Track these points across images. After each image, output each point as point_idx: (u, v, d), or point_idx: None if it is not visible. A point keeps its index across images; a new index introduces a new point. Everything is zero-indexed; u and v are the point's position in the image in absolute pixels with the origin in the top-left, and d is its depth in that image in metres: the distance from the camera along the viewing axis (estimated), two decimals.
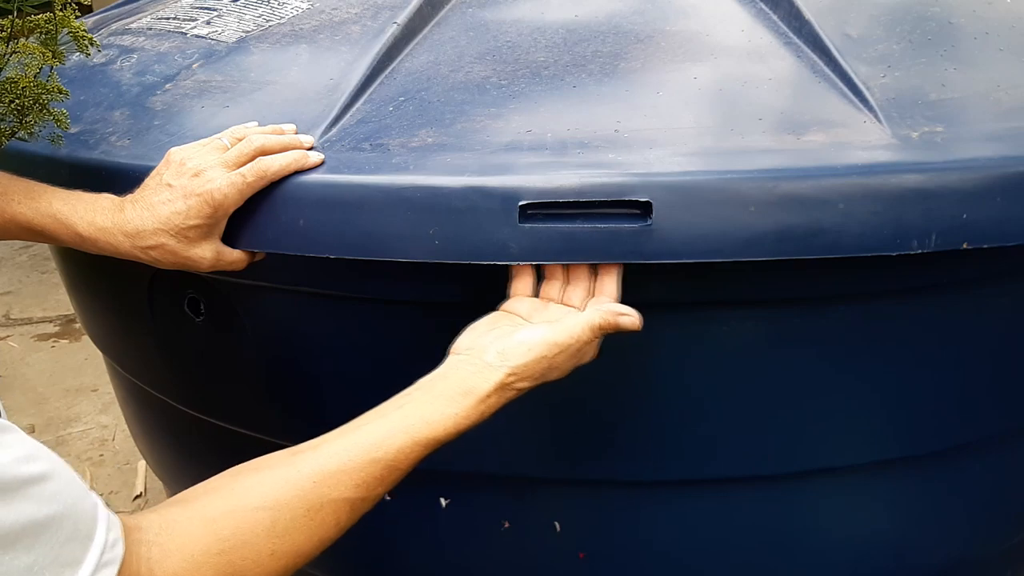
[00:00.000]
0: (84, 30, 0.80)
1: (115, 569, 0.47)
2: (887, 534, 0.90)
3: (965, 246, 0.67)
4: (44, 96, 0.77)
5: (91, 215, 0.73)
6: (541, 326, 0.67)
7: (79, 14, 0.82)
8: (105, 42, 1.02)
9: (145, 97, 0.87)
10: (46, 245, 1.01)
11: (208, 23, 0.97)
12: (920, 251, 0.67)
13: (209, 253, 0.72)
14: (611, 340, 0.76)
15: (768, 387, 0.80)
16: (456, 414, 0.63)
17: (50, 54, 0.78)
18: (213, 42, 0.93)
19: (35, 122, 0.78)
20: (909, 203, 0.66)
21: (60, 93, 0.79)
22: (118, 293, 1.03)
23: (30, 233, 0.75)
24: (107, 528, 0.48)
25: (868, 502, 0.89)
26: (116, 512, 0.52)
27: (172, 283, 0.90)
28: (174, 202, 0.70)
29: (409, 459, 0.61)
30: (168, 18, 1.02)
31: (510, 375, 0.65)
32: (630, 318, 0.68)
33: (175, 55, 0.93)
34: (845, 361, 0.80)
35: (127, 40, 1.01)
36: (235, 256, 0.73)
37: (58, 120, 0.80)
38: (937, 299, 0.78)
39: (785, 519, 0.88)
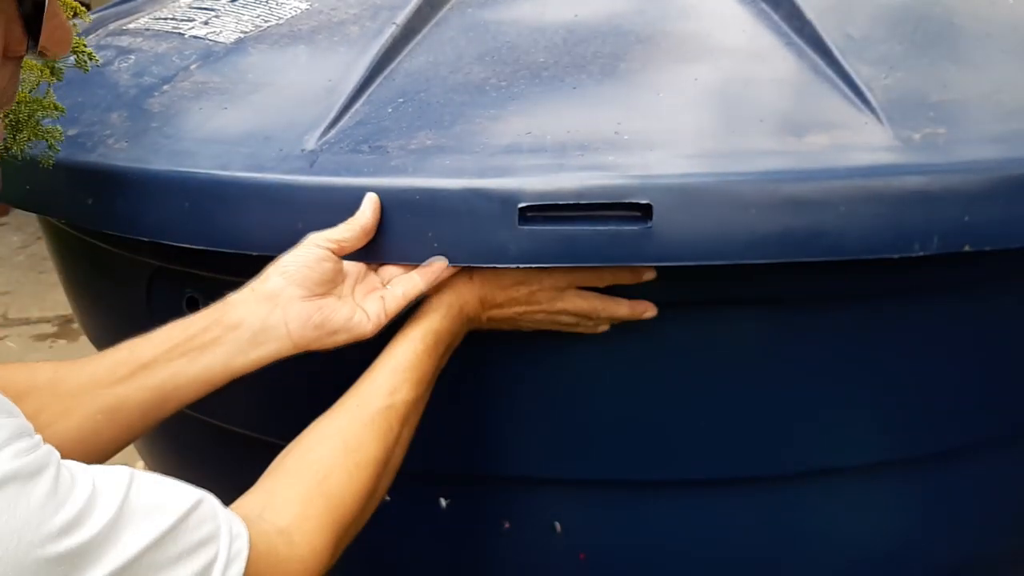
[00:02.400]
0: (84, 45, 0.80)
1: (245, 540, 0.53)
2: (888, 536, 0.90)
3: (967, 248, 0.67)
4: (39, 112, 0.77)
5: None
6: None
7: (79, 30, 0.81)
8: (102, 43, 1.02)
9: (143, 99, 0.87)
10: (43, 244, 0.99)
11: (206, 23, 0.96)
12: (922, 253, 0.66)
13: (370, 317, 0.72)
14: (612, 339, 0.76)
15: (769, 388, 0.80)
16: (442, 314, 0.72)
17: (48, 71, 0.77)
18: (211, 43, 0.93)
19: (28, 138, 0.78)
20: (911, 205, 0.66)
21: (56, 110, 0.78)
22: (116, 293, 1.02)
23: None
24: (223, 512, 0.54)
25: (869, 503, 0.89)
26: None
27: (171, 282, 0.90)
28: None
29: (418, 353, 0.69)
30: (166, 18, 1.02)
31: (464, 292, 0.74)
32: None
33: (173, 56, 0.93)
34: (846, 363, 0.80)
35: (124, 41, 1.00)
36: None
37: (50, 139, 0.79)
38: (939, 301, 0.78)
39: (785, 520, 0.88)
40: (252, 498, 0.60)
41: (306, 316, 0.68)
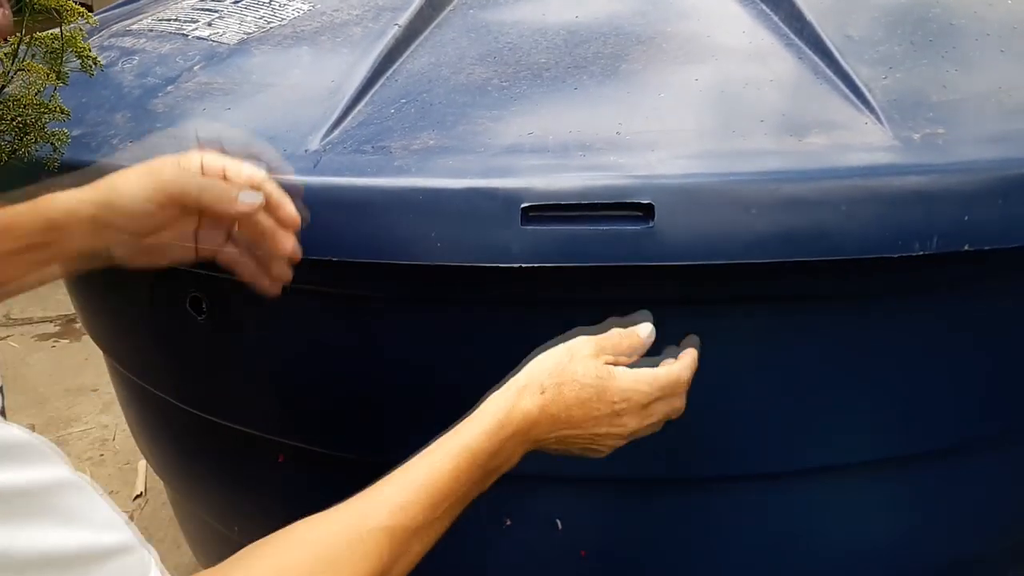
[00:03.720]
0: (89, 50, 0.80)
1: None
2: (888, 532, 0.91)
3: (967, 248, 0.67)
4: (45, 115, 0.77)
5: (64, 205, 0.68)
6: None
7: (86, 34, 0.82)
8: (106, 43, 1.02)
9: (147, 99, 0.87)
10: None
11: (209, 24, 0.97)
12: (922, 253, 0.67)
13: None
14: None
15: (769, 386, 0.80)
16: (480, 419, 0.61)
17: (54, 74, 0.78)
18: (214, 44, 0.93)
19: (34, 140, 0.78)
20: (911, 205, 0.67)
21: (62, 113, 0.79)
22: (119, 292, 1.03)
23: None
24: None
25: (869, 500, 0.90)
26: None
27: (175, 282, 0.90)
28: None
29: (443, 474, 0.59)
30: (169, 19, 1.02)
31: (521, 383, 0.63)
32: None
33: (176, 57, 0.93)
34: (847, 360, 0.80)
35: (128, 42, 1.00)
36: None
37: (56, 142, 0.79)
38: (939, 300, 0.78)
39: (786, 517, 0.88)
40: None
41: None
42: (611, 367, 0.65)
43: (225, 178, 0.66)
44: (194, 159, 0.67)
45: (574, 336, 0.66)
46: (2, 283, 0.67)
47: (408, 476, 0.58)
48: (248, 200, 0.66)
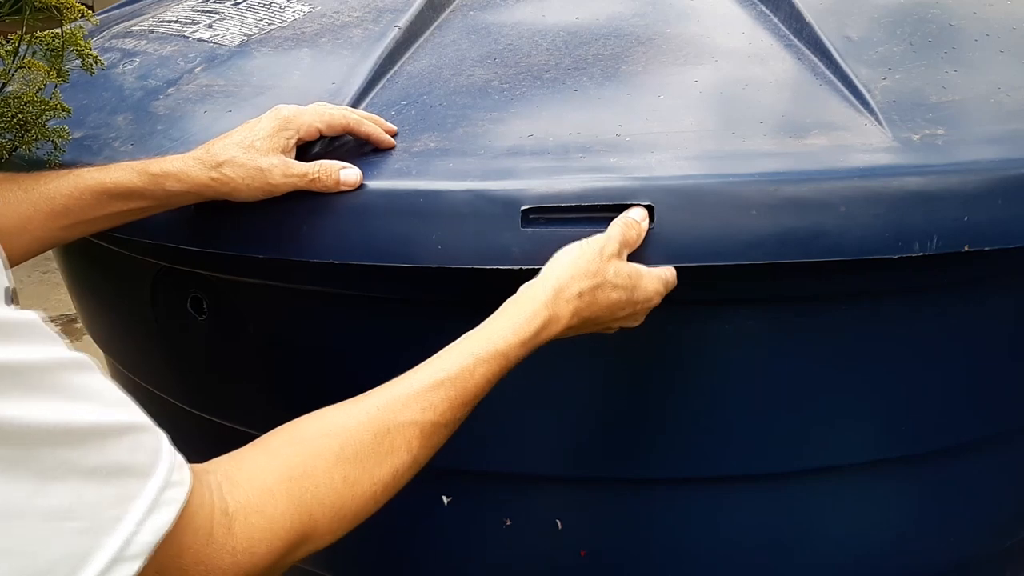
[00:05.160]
0: (90, 49, 0.80)
1: (184, 491, 0.45)
2: (887, 533, 0.91)
3: (967, 248, 0.67)
4: (47, 113, 0.77)
5: (163, 159, 0.72)
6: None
7: (87, 33, 0.82)
8: (107, 45, 1.02)
9: (148, 101, 0.87)
10: None
11: (210, 26, 0.97)
12: (921, 253, 0.67)
13: (278, 161, 0.70)
14: (613, 339, 0.76)
15: (770, 386, 0.80)
16: (514, 325, 0.62)
17: (55, 72, 0.78)
18: (215, 46, 0.93)
19: (36, 138, 0.79)
20: (910, 205, 0.67)
21: (63, 110, 0.79)
22: (120, 292, 1.03)
23: (99, 197, 0.72)
24: (172, 453, 0.46)
25: (869, 501, 0.90)
26: None
27: (175, 282, 0.90)
28: (243, 125, 0.73)
29: (475, 377, 0.60)
30: (170, 21, 1.02)
31: (556, 287, 0.64)
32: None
33: (177, 59, 0.93)
34: (847, 360, 0.80)
35: (129, 43, 1.01)
36: (302, 169, 0.72)
37: (57, 139, 0.80)
38: (939, 300, 0.78)
39: (785, 518, 0.88)
40: (218, 463, 0.51)
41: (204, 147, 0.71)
42: (638, 267, 0.67)
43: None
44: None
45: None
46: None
47: (441, 374, 0.58)
48: (350, 179, 0.71)
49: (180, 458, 0.46)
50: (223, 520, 0.47)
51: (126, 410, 0.44)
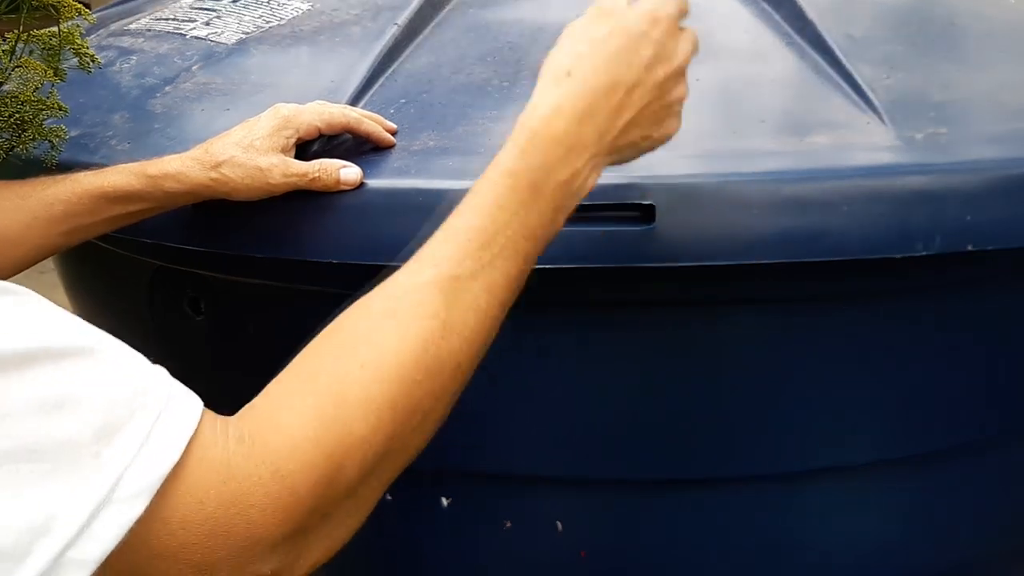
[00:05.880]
0: (87, 47, 0.80)
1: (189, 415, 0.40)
2: (889, 533, 0.91)
3: (970, 248, 0.67)
4: (44, 112, 0.77)
5: (161, 160, 0.71)
6: None
7: (83, 31, 0.82)
8: (104, 43, 1.02)
9: (145, 100, 0.87)
10: None
11: (207, 24, 0.97)
12: (924, 253, 0.67)
13: (277, 161, 0.69)
14: (614, 338, 0.76)
15: (770, 387, 0.80)
16: (519, 146, 0.52)
17: (52, 71, 0.77)
18: (213, 43, 0.93)
19: (33, 137, 0.78)
20: (913, 205, 0.66)
21: (60, 110, 0.79)
22: (117, 292, 1.03)
23: (97, 201, 0.71)
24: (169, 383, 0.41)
25: (870, 501, 0.90)
26: None
27: (172, 283, 0.90)
28: (242, 124, 0.71)
29: (490, 209, 0.50)
30: (167, 19, 1.02)
31: (551, 100, 0.53)
32: None
33: (174, 57, 0.93)
34: (848, 361, 0.80)
35: (126, 41, 1.00)
36: (301, 168, 0.70)
37: (54, 138, 0.79)
38: (941, 300, 0.78)
39: (785, 519, 0.88)
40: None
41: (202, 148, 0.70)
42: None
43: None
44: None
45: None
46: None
47: (453, 223, 0.51)
48: (350, 179, 0.70)
49: (182, 388, 0.42)
50: (238, 448, 0.41)
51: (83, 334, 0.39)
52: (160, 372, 0.42)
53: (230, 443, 0.41)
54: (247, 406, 0.45)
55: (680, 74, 0.57)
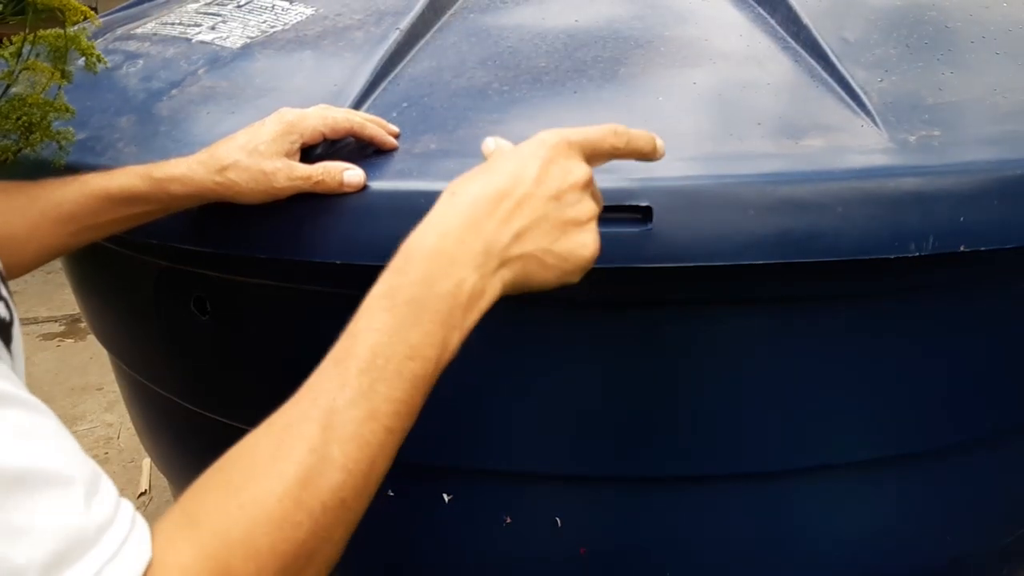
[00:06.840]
0: (94, 49, 0.81)
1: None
2: (884, 532, 0.91)
3: (962, 248, 0.68)
4: (51, 114, 0.78)
5: (167, 163, 0.73)
6: None
7: (89, 34, 0.82)
8: (110, 47, 1.03)
9: (151, 103, 0.88)
10: None
11: (212, 29, 0.97)
12: (918, 254, 0.67)
13: (282, 165, 0.70)
14: (613, 337, 0.77)
15: (767, 385, 0.80)
16: (389, 265, 0.53)
17: (58, 73, 0.78)
18: (218, 48, 0.94)
19: (40, 140, 0.79)
20: (907, 206, 0.67)
21: (67, 112, 0.80)
22: (124, 292, 1.03)
23: (104, 202, 0.73)
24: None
25: (865, 500, 0.90)
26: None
27: (178, 283, 0.91)
28: (247, 128, 0.73)
29: (361, 334, 0.50)
30: (173, 23, 1.03)
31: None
32: None
33: (180, 61, 0.93)
34: (843, 361, 0.80)
35: (132, 45, 1.01)
36: (305, 171, 0.71)
37: (61, 140, 0.80)
38: (935, 300, 0.79)
39: (783, 516, 0.89)
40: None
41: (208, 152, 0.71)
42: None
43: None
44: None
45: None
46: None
47: (334, 350, 0.50)
48: (353, 181, 0.71)
49: (139, 518, 0.41)
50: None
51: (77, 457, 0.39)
52: (124, 511, 0.41)
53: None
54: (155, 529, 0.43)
55: (582, 188, 0.56)
